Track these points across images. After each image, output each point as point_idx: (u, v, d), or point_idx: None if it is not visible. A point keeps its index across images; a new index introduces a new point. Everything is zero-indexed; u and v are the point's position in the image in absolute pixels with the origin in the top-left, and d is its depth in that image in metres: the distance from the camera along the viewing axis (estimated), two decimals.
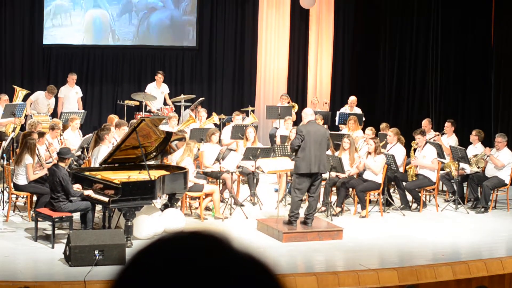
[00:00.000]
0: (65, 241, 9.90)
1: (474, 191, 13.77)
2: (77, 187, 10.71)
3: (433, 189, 13.65)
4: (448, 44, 19.04)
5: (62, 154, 10.73)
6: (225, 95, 19.18)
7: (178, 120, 15.62)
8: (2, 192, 12.18)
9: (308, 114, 11.51)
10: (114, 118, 14.60)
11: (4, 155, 12.47)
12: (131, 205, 10.40)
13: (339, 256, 10.89)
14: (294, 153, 11.42)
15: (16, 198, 12.21)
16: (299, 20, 19.61)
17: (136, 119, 14.71)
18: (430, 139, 14.42)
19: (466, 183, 14.07)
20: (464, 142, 14.75)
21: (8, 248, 10.30)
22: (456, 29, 18.99)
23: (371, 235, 11.71)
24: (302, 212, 11.62)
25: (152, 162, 11.93)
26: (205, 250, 1.38)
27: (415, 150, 13.83)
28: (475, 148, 14.11)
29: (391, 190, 13.86)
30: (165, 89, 17.52)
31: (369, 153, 12.97)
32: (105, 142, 12.08)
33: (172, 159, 12.60)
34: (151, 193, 10.53)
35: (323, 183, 13.18)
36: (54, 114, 16.07)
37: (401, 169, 13.51)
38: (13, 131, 14.05)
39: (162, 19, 18.66)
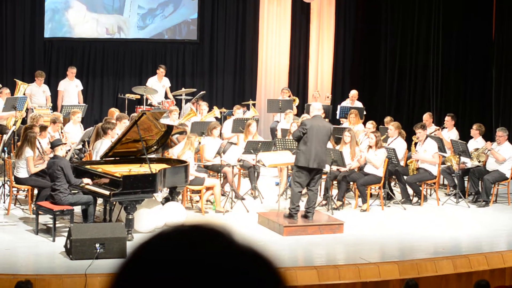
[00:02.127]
0: (66, 234, 9.91)
1: (475, 185, 13.77)
2: (86, 181, 10.71)
3: (434, 183, 13.66)
4: (449, 38, 19.02)
5: (54, 144, 10.83)
6: (226, 89, 19.17)
7: (179, 114, 15.62)
8: (3, 185, 12.19)
9: (315, 109, 11.55)
10: (115, 111, 14.60)
11: (5, 148, 12.47)
12: (132, 198, 10.41)
13: (339, 249, 10.90)
14: (297, 144, 11.49)
15: (17, 192, 12.22)
16: (300, 14, 19.58)
17: (137, 112, 14.71)
18: (430, 133, 14.42)
19: (467, 177, 14.07)
20: (465, 136, 14.75)
21: (9, 241, 10.32)
22: (457, 23, 18.97)
23: (372, 229, 11.72)
24: (302, 205, 11.62)
25: (153, 156, 11.94)
26: (206, 243, 1.38)
27: (416, 144, 13.83)
28: (476, 142, 14.11)
29: (392, 183, 13.86)
30: (166, 82, 17.51)
31: (370, 146, 12.97)
32: (107, 136, 12.08)
33: (173, 153, 12.60)
34: (152, 186, 10.54)
35: (324, 176, 13.20)
36: (54, 108, 16.08)
37: (402, 163, 13.52)
38: (14, 124, 14.05)
39: (163, 12, 18.64)
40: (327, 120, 15.92)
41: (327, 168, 12.69)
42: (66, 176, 10.47)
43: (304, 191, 11.71)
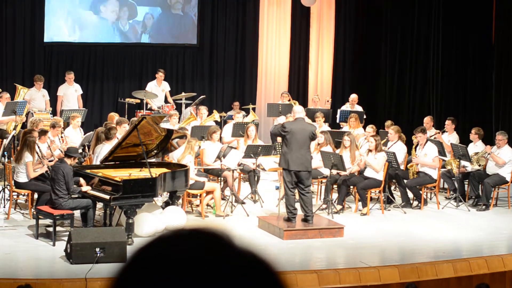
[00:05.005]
0: (66, 238, 9.91)
1: (475, 188, 13.77)
2: (81, 182, 10.72)
3: (434, 187, 13.65)
4: (449, 42, 19.03)
5: (70, 152, 10.79)
6: (226, 93, 19.18)
7: (179, 118, 15.62)
8: (3, 190, 12.18)
9: (296, 112, 11.56)
10: (115, 116, 14.59)
11: (5, 153, 12.47)
12: (132, 202, 10.41)
13: (340, 253, 10.89)
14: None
15: (17, 196, 12.21)
16: (300, 18, 19.60)
17: (137, 117, 14.72)
18: (430, 136, 14.43)
19: (467, 180, 14.06)
20: (465, 140, 14.75)
21: (9, 245, 10.31)
22: (457, 27, 18.98)
23: (372, 233, 11.71)
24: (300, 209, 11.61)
25: (153, 160, 11.94)
26: (206, 247, 1.38)
27: (416, 148, 13.83)
28: (476, 146, 14.10)
29: (392, 187, 13.86)
30: (165, 87, 17.52)
31: (370, 150, 12.97)
32: (110, 141, 12.07)
33: (173, 157, 12.61)
34: (152, 190, 10.54)
35: (324, 180, 13.20)
36: (54, 112, 16.08)
37: (402, 167, 13.52)
38: (14, 129, 14.06)
39: (163, 16, 18.65)
40: (326, 123, 15.97)
41: (327, 172, 12.69)
42: (66, 184, 10.47)
43: (297, 197, 11.65)
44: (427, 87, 19.30)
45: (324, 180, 13.26)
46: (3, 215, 11.79)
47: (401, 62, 19.52)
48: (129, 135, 11.04)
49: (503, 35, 18.49)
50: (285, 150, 11.19)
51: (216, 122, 15.78)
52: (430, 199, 14.12)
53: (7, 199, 12.07)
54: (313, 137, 11.36)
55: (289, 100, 17.22)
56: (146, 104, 16.74)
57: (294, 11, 19.43)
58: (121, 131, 12.59)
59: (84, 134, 14.04)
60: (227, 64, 19.15)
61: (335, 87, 19.79)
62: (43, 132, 12.37)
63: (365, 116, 16.46)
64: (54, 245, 10.28)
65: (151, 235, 10.46)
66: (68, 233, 9.94)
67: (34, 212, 10.88)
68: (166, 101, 17.37)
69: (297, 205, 11.53)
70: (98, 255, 9.42)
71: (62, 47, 17.92)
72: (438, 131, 15.02)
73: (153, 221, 10.78)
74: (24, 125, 14.78)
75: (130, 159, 11.52)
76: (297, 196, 11.66)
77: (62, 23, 17.86)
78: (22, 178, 11.49)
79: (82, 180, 10.80)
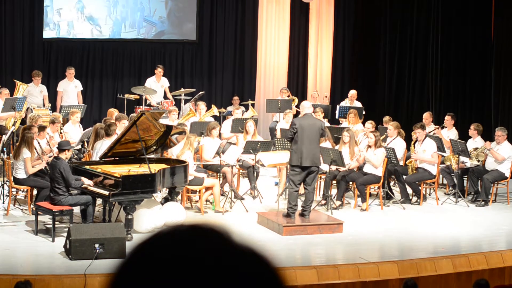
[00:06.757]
0: (65, 234, 9.91)
1: (474, 184, 13.77)
2: (87, 183, 10.69)
3: (433, 183, 13.66)
4: (449, 38, 19.03)
5: (62, 146, 10.76)
6: (225, 89, 19.17)
7: (178, 114, 15.62)
8: (3, 186, 12.18)
9: (305, 107, 11.57)
10: (114, 112, 14.60)
11: (5, 149, 12.47)
12: (132, 198, 10.41)
13: (339, 249, 10.89)
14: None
15: (16, 192, 12.22)
16: (299, 14, 19.59)
17: (136, 112, 14.71)
18: (430, 132, 14.43)
19: (466, 176, 14.07)
20: (465, 135, 14.75)
21: (9, 241, 10.31)
22: (456, 22, 18.97)
23: (371, 228, 11.72)
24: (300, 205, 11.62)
25: (152, 156, 11.93)
26: (205, 243, 1.38)
27: (415, 143, 13.83)
28: (475, 142, 14.11)
29: (391, 183, 13.86)
30: (165, 82, 17.51)
31: (369, 146, 12.97)
32: (110, 138, 12.06)
33: (172, 153, 12.60)
34: (151, 186, 10.54)
35: (323, 176, 13.19)
36: (53, 108, 16.07)
37: (401, 163, 13.52)
38: (13, 125, 14.05)
39: (162, 12, 18.63)
40: (325, 119, 15.96)
41: (326, 168, 12.69)
42: (65, 180, 10.45)
43: (302, 191, 11.68)
44: (427, 82, 19.30)
45: (323, 176, 13.26)
46: (3, 211, 11.79)
47: (400, 58, 19.51)
48: (128, 131, 11.03)
49: (503, 31, 18.49)
50: (295, 147, 11.14)
51: (215, 117, 15.78)
52: (429, 195, 14.13)
53: (6, 195, 12.07)
54: (322, 132, 11.37)
55: (288, 96, 17.22)
56: (145, 100, 16.73)
57: (293, 7, 19.41)
58: (120, 127, 12.59)
59: (83, 130, 14.04)
60: (226, 60, 19.14)
61: (334, 83, 19.78)
62: (41, 128, 12.36)
63: (364, 112, 16.46)
64: (53, 241, 10.28)
65: (150, 231, 10.46)
66: (67, 229, 9.94)
67: (34, 208, 10.88)
68: (165, 97, 17.36)
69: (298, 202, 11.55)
70: (97, 251, 9.42)
71: (61, 43, 17.91)
72: (437, 126, 15.02)
73: (152, 217, 10.78)
74: (23, 121, 14.77)
75: (129, 155, 11.52)
76: (301, 191, 11.65)
77: (61, 19, 17.84)
78: (21, 174, 11.49)
79: (86, 182, 10.75)
